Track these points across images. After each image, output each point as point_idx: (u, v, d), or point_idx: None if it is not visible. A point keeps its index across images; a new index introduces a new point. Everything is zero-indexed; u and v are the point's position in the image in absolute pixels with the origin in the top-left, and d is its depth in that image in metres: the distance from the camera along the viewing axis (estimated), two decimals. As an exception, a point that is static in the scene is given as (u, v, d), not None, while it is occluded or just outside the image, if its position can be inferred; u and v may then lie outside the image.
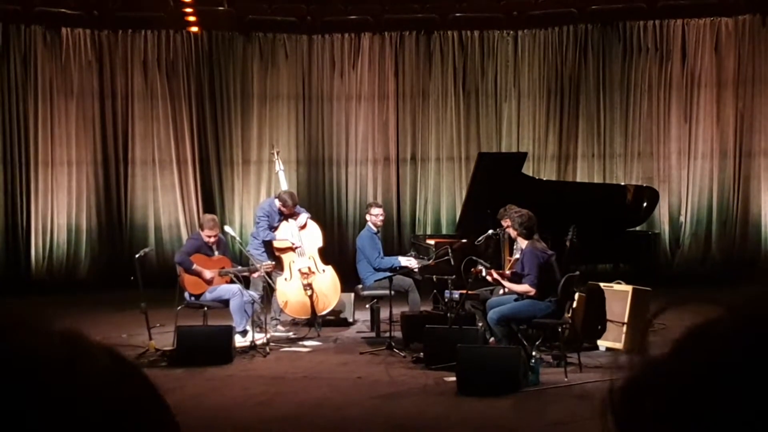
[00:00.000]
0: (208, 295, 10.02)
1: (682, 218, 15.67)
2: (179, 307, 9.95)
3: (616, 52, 15.80)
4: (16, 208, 15.16)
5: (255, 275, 10.35)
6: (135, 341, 10.11)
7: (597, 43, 15.84)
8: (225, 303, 10.02)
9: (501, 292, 9.44)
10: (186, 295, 10.06)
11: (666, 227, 15.53)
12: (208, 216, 10.63)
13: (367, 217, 11.23)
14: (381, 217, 11.16)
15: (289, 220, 10.98)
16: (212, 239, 10.20)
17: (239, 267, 10.46)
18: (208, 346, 9.23)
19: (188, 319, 9.93)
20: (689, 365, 0.71)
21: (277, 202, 10.94)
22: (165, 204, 15.94)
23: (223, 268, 10.13)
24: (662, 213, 15.33)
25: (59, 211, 15.43)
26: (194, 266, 9.97)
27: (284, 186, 11.53)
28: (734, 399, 0.67)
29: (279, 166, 11.78)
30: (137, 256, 9.96)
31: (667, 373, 0.72)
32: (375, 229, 11.05)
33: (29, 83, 15.20)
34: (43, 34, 15.28)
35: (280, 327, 11.02)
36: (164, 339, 9.83)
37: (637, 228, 12.26)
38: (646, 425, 0.71)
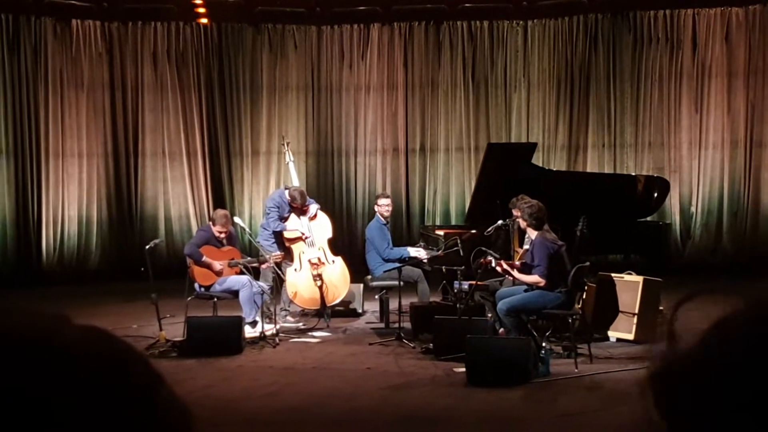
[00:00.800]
0: (218, 287, 10.03)
1: (692, 208, 15.63)
2: (189, 298, 9.97)
3: (626, 42, 15.75)
4: (27, 200, 15.20)
5: (264, 266, 10.35)
6: (145, 332, 10.15)
7: (607, 33, 15.79)
8: (234, 294, 10.03)
9: (511, 281, 9.42)
10: (196, 286, 10.07)
11: (677, 217, 15.50)
12: (221, 212, 10.56)
13: (376, 208, 11.25)
14: (388, 208, 11.15)
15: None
16: (223, 235, 10.20)
17: (248, 258, 10.46)
18: (218, 336, 9.25)
19: (198, 310, 9.95)
20: (714, 357, 0.71)
21: (287, 196, 10.95)
22: (175, 195, 15.97)
23: (232, 259, 10.13)
24: (673, 203, 15.29)
25: (70, 202, 15.47)
26: (204, 258, 9.98)
27: (294, 177, 11.54)
28: (756, 390, 0.67)
29: (289, 157, 11.78)
30: (147, 247, 9.98)
31: (693, 364, 0.72)
32: (384, 220, 11.06)
33: (40, 75, 15.23)
34: (54, 26, 15.30)
35: (289, 318, 11.03)
36: (174, 330, 9.85)
37: (648, 218, 12.23)
38: (678, 412, 0.72)
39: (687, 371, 0.72)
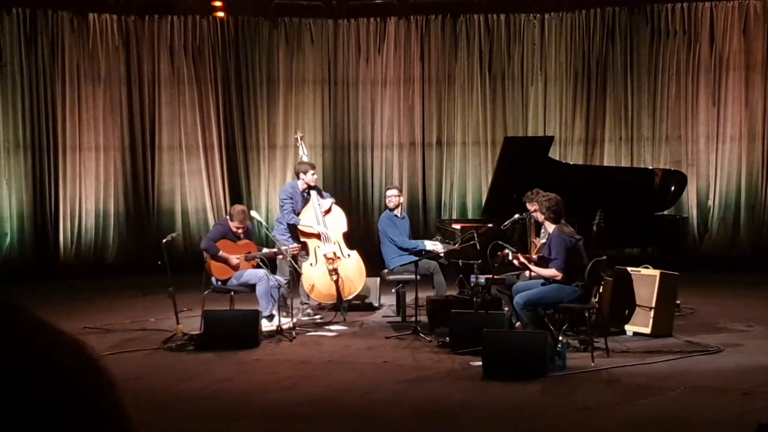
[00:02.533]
0: (235, 281, 10.03)
1: (710, 202, 15.57)
2: (206, 292, 9.99)
3: (643, 35, 15.68)
4: (45, 193, 15.26)
5: (280, 257, 10.35)
6: (162, 325, 10.18)
7: (624, 26, 15.73)
8: (251, 288, 10.03)
9: (527, 275, 9.40)
10: (213, 279, 10.08)
11: (694, 211, 15.44)
12: (239, 207, 10.49)
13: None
14: (395, 199, 11.15)
15: (311, 192, 10.94)
16: (240, 230, 10.20)
17: (265, 250, 10.45)
18: (235, 330, 9.25)
19: (215, 304, 9.96)
20: None
21: (301, 183, 10.92)
22: (192, 189, 16.01)
23: (249, 252, 10.14)
24: (690, 197, 15.24)
25: (87, 196, 15.52)
26: (220, 252, 9.99)
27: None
28: None
29: (303, 151, 11.75)
30: (164, 241, 10.01)
31: None
32: (393, 212, 11.04)
33: (57, 69, 15.28)
34: (71, 20, 15.35)
35: (309, 310, 11.04)
36: (191, 323, 9.88)
37: (665, 212, 12.18)
38: None
39: None
